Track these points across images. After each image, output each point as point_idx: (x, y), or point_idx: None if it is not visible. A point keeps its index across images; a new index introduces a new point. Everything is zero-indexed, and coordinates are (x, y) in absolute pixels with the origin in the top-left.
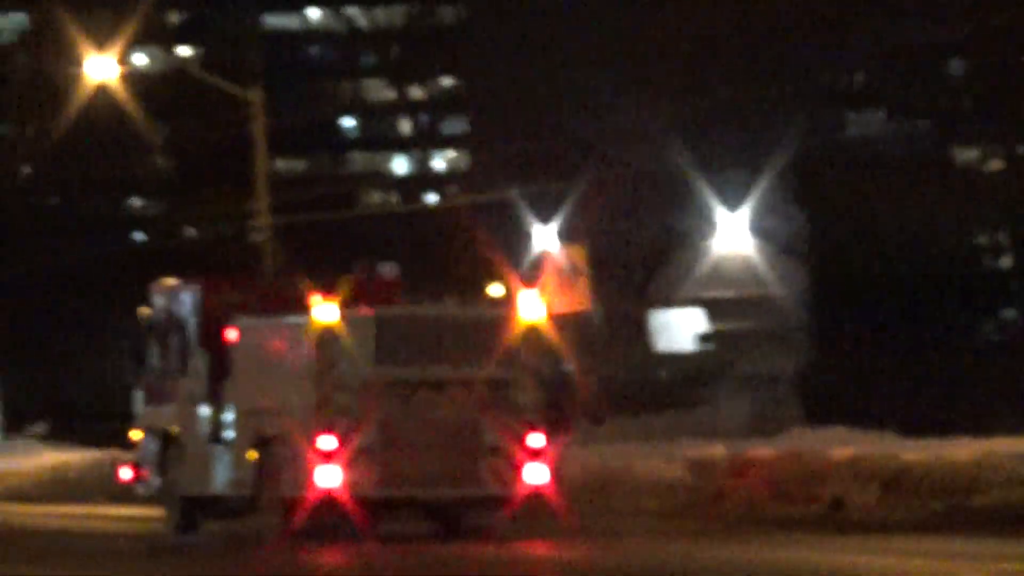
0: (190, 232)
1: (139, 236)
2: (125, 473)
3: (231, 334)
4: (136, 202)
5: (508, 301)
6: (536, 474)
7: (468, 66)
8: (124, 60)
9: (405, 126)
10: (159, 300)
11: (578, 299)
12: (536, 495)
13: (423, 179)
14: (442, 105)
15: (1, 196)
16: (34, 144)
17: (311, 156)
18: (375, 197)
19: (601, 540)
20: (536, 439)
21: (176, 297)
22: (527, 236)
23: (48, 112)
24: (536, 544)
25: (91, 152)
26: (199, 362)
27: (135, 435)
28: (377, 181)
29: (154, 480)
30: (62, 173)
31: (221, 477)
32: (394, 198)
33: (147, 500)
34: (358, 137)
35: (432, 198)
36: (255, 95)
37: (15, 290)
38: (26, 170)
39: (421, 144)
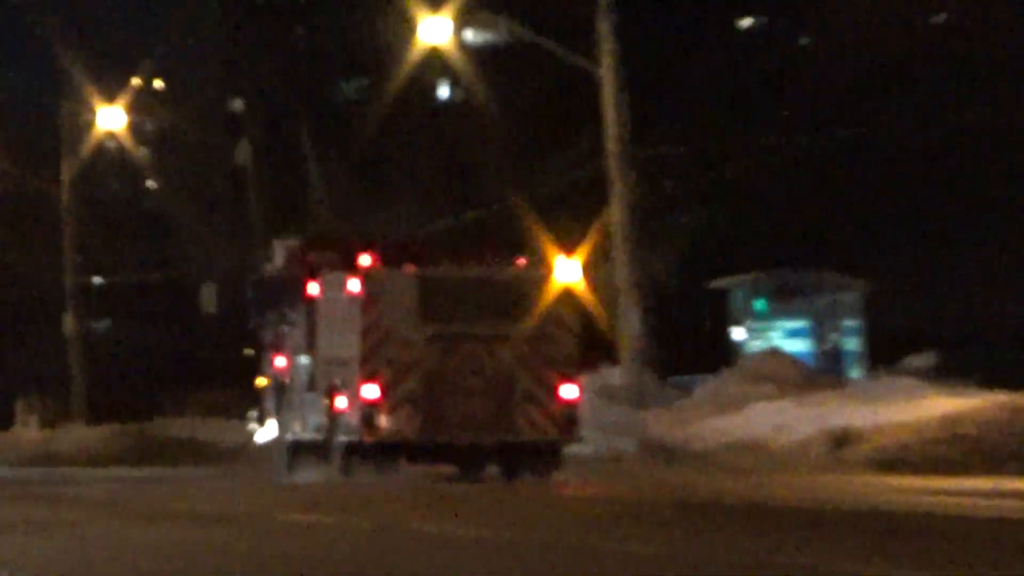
0: None
1: None
2: (251, 419)
3: (313, 288)
4: None
5: (545, 263)
6: (568, 422)
7: None
8: None
9: None
10: (278, 255)
11: None
12: (568, 441)
13: None
14: None
15: None
16: None
17: None
18: None
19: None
20: (569, 389)
21: (285, 253)
22: None
23: None
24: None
25: None
26: (300, 314)
27: (260, 383)
28: None
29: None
30: None
31: (312, 424)
32: None
33: None
34: None
35: None
36: None
37: None
38: None
39: None
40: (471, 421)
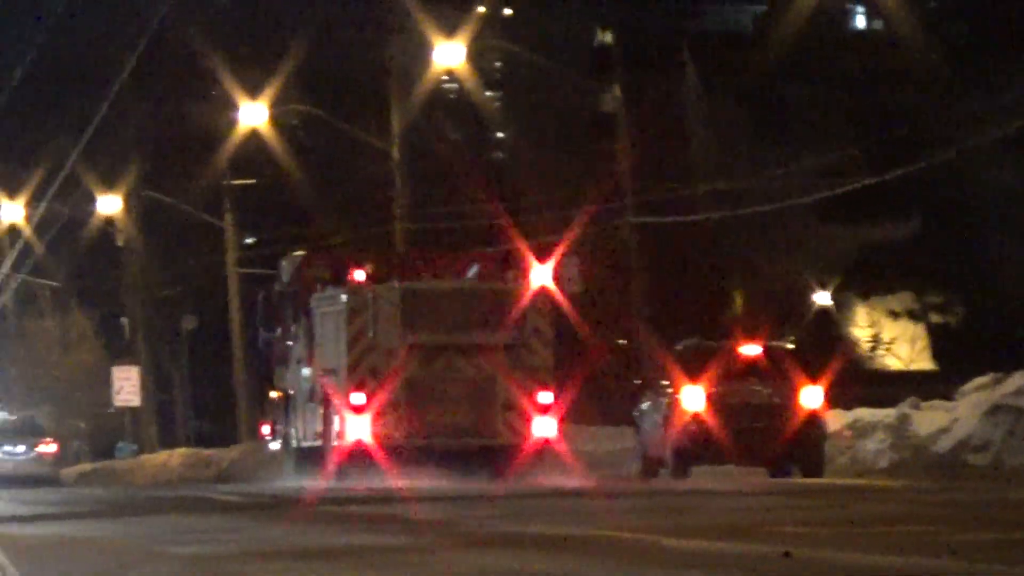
0: None
1: None
2: (265, 429)
3: (311, 303)
4: None
5: (522, 274)
6: (544, 427)
7: None
8: None
9: None
10: (284, 271)
11: None
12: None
13: None
14: None
15: None
16: None
17: None
18: None
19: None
20: (545, 396)
21: (289, 268)
22: None
23: None
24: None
25: None
26: (301, 327)
27: (273, 395)
28: None
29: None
30: None
31: (311, 431)
32: None
33: None
34: None
35: None
36: None
37: None
38: None
39: None
40: (451, 426)
